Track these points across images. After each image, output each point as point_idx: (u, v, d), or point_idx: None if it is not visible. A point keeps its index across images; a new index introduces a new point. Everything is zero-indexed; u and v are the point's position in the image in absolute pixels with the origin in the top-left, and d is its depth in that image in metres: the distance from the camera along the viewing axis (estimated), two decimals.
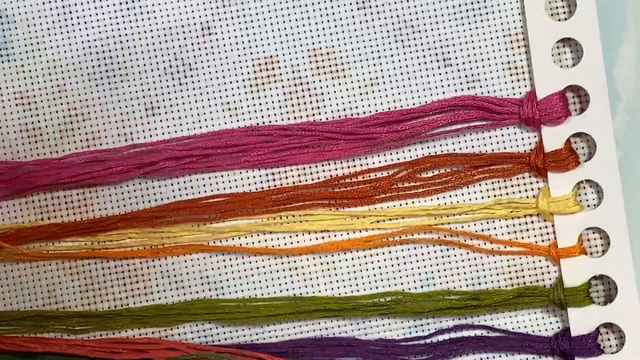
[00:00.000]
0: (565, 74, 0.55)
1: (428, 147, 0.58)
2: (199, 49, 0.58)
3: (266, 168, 0.58)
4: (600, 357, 0.56)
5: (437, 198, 0.58)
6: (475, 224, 0.57)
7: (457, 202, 0.57)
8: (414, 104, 0.58)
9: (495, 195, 0.57)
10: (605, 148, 0.55)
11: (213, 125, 0.58)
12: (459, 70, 0.58)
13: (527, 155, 0.56)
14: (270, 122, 0.58)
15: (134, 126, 0.58)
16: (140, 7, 0.58)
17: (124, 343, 0.57)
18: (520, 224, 0.57)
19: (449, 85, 0.58)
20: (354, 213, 0.57)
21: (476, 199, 0.57)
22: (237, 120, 0.58)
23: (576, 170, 0.55)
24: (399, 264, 0.58)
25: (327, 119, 0.58)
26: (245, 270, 0.58)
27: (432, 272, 0.58)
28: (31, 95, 0.58)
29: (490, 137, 0.57)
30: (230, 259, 0.58)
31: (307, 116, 0.58)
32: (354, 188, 0.57)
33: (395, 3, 0.58)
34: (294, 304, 0.57)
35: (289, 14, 0.58)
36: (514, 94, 0.57)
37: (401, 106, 0.58)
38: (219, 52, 0.58)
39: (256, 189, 0.58)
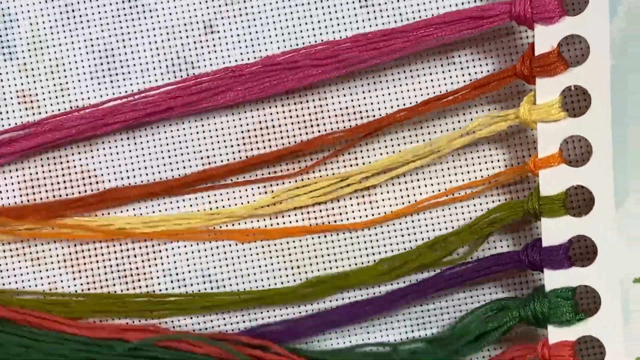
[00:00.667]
0: None
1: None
2: (202, 47, 0.58)
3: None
4: (570, 270, 0.54)
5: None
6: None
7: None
8: (416, 102, 0.58)
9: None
10: (598, 53, 0.52)
11: (215, 124, 0.58)
12: (462, 68, 0.58)
13: (512, 67, 0.54)
14: (271, 121, 0.58)
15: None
16: (143, 5, 0.58)
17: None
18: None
19: (452, 84, 0.58)
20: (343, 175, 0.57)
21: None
22: (240, 119, 0.58)
23: (564, 76, 0.53)
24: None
25: (329, 117, 0.58)
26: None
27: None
28: (33, 94, 0.58)
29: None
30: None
31: (310, 114, 0.58)
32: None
33: (398, 1, 0.58)
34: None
35: (291, 12, 0.58)
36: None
37: (404, 104, 0.58)
38: (222, 51, 0.58)
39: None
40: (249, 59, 0.58)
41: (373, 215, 0.58)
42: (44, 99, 0.58)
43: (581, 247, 0.57)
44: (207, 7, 0.58)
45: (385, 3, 0.58)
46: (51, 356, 0.55)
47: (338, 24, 0.58)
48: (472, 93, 0.55)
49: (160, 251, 0.58)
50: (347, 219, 0.58)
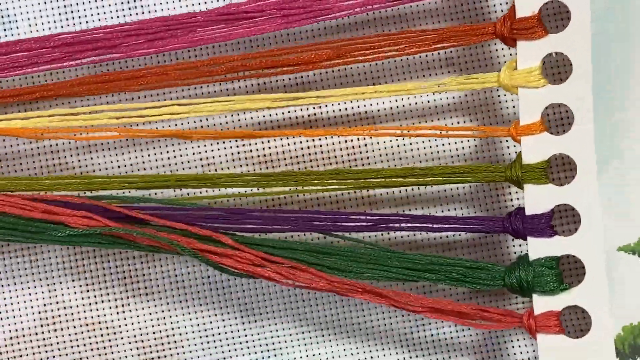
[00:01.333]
0: None
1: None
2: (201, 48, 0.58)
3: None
4: (553, 239, 0.53)
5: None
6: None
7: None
8: (415, 103, 0.58)
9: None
10: (579, 19, 0.52)
11: (215, 125, 0.58)
12: (461, 70, 0.58)
13: (493, 24, 0.54)
14: (272, 121, 0.58)
15: (135, 125, 0.58)
16: (142, 6, 0.58)
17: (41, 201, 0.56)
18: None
19: None
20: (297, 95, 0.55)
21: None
22: (239, 120, 0.58)
23: (546, 41, 0.53)
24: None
25: (328, 117, 0.58)
26: None
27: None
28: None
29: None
30: None
31: (309, 115, 0.58)
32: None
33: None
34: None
35: None
36: None
37: (403, 105, 0.58)
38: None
39: None
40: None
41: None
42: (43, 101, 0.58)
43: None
44: (206, 8, 0.58)
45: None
46: None
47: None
48: (446, 43, 0.54)
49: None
50: None
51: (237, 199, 0.58)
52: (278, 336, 0.59)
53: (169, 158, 0.58)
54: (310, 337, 0.59)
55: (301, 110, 0.58)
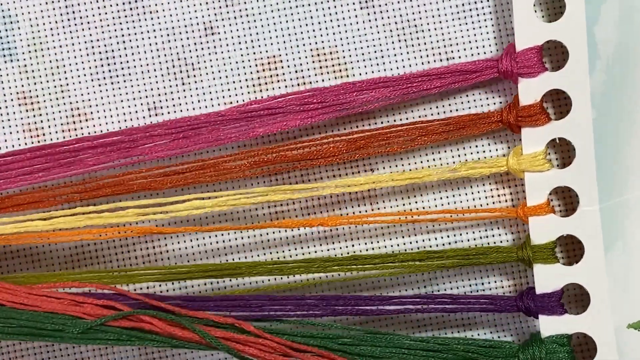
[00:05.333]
0: (546, 29, 0.54)
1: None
2: (202, 48, 0.58)
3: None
4: (563, 317, 0.55)
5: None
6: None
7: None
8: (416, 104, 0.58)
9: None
10: (580, 106, 0.54)
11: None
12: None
13: (499, 113, 0.56)
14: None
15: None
16: (144, 7, 0.58)
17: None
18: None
19: None
20: (316, 185, 0.57)
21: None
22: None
23: (550, 127, 0.55)
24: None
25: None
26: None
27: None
28: (34, 96, 0.58)
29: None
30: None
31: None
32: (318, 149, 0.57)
33: (399, 2, 0.58)
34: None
35: (292, 14, 0.58)
36: None
37: (404, 106, 0.58)
38: (222, 52, 0.58)
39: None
40: (249, 60, 0.58)
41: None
42: (44, 101, 0.58)
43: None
44: (208, 9, 0.58)
45: (386, 4, 0.58)
46: None
47: (338, 26, 0.58)
48: (456, 132, 0.57)
49: (161, 252, 0.59)
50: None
51: (258, 284, 0.59)
52: None
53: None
54: None
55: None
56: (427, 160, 0.58)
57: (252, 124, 0.56)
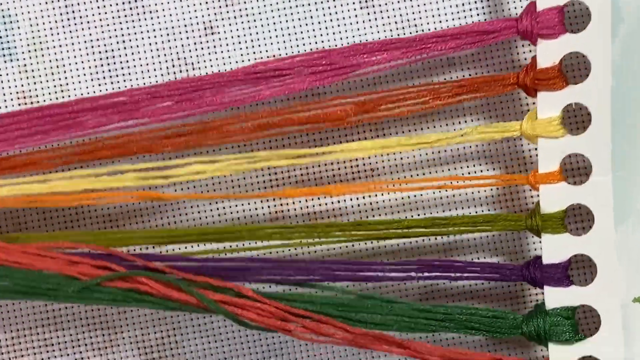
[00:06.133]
0: None
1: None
2: (202, 48, 0.58)
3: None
4: (569, 288, 0.54)
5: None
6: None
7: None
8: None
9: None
10: (600, 71, 0.52)
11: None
12: (462, 70, 0.58)
13: (516, 75, 0.54)
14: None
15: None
16: (143, 6, 0.58)
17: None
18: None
19: None
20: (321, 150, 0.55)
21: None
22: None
23: (567, 92, 0.53)
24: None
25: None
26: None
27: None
28: (34, 95, 0.58)
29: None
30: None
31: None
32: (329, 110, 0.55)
33: (399, 2, 0.58)
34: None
35: (291, 14, 0.58)
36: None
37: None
38: (222, 52, 0.58)
39: None
40: (249, 60, 0.58)
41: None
42: (44, 100, 0.58)
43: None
44: (208, 9, 0.58)
45: (386, 4, 0.58)
46: None
47: (338, 25, 0.58)
48: (470, 95, 0.55)
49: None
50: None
51: (258, 253, 0.58)
52: (279, 336, 0.59)
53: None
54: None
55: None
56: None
57: (258, 86, 0.55)
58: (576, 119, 0.57)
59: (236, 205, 0.58)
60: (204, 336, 0.59)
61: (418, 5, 0.57)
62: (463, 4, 0.58)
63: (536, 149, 0.55)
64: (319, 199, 0.58)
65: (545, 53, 0.53)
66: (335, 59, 0.54)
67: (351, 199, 0.58)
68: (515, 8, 0.58)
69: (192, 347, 0.59)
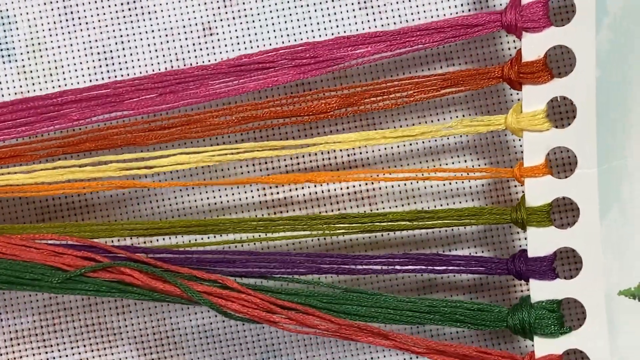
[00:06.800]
0: None
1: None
2: (200, 49, 0.58)
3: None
4: (554, 282, 0.54)
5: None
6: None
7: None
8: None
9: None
10: (585, 64, 0.52)
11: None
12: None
13: (500, 68, 0.54)
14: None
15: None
16: (142, 7, 0.58)
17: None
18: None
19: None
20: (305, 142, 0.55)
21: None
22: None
23: (552, 85, 0.53)
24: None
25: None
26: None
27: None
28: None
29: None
30: None
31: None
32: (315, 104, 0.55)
33: (397, 3, 0.58)
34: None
35: (290, 14, 0.58)
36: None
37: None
38: (220, 53, 0.58)
39: None
40: None
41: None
42: None
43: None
44: (206, 9, 0.58)
45: (384, 5, 0.58)
46: None
47: (337, 26, 0.58)
48: (454, 88, 0.55)
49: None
50: None
51: (243, 245, 0.58)
52: (278, 337, 0.59)
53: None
54: (311, 338, 0.59)
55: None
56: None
57: (242, 79, 0.55)
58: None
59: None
60: (203, 336, 0.59)
61: (417, 6, 0.57)
62: (462, 5, 0.57)
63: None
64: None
65: (530, 46, 0.53)
66: (320, 52, 0.54)
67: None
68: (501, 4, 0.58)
69: (191, 347, 0.59)
